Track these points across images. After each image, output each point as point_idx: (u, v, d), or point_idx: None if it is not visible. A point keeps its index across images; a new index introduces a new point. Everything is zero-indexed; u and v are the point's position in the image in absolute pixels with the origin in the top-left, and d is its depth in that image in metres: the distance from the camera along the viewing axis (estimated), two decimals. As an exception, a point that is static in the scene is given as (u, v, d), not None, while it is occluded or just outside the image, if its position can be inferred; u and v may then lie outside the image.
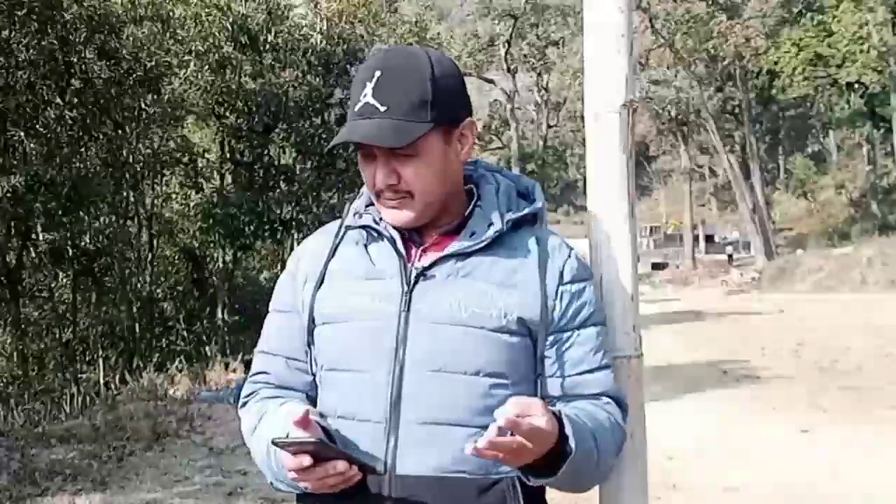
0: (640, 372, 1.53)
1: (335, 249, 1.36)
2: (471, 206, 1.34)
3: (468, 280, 1.28)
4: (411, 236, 1.33)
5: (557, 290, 1.30)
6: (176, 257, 15.10)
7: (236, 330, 13.95)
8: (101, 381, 9.59)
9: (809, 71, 33.80)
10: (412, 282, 1.28)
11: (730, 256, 43.87)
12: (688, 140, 40.33)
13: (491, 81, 44.70)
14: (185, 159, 14.10)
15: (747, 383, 9.08)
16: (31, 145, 10.48)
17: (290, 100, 14.22)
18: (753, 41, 31.68)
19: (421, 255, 1.31)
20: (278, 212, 14.30)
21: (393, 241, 1.31)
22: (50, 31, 10.14)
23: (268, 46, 14.32)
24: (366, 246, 1.34)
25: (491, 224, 1.31)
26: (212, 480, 5.54)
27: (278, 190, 14.88)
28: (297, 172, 15.29)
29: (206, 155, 14.95)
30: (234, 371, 10.43)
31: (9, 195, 9.22)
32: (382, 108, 1.23)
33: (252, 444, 1.34)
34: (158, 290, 13.87)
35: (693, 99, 34.67)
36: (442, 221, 1.33)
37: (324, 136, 14.48)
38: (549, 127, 49.75)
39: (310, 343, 1.35)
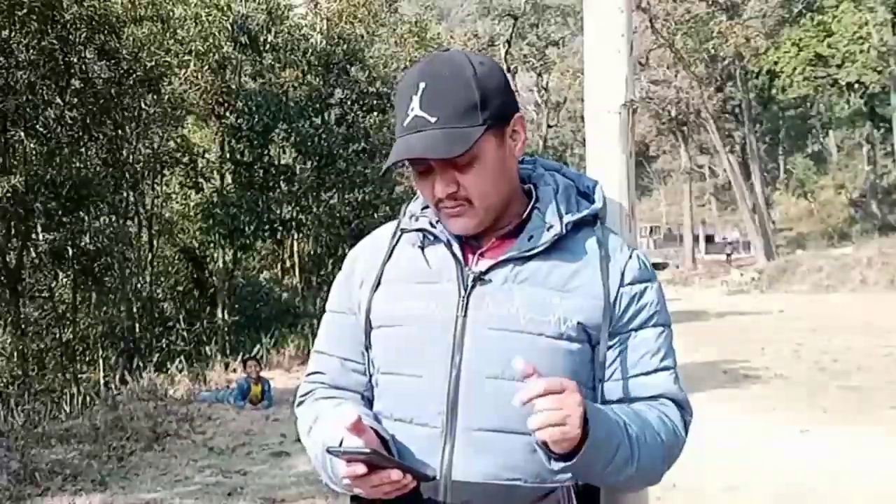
0: (640, 372, 1.53)
1: (391, 252, 1.35)
2: (529, 208, 1.31)
3: (526, 285, 1.26)
4: (468, 239, 1.31)
5: (618, 292, 1.28)
6: (176, 257, 15.10)
7: (236, 330, 13.94)
8: (101, 381, 9.59)
9: (809, 71, 33.79)
10: (469, 286, 1.27)
11: (728, 255, 43.89)
12: (688, 140, 40.31)
13: (491, 81, 44.64)
14: (185, 159, 14.09)
15: (747, 383, 9.07)
16: (31, 145, 10.48)
17: (290, 100, 14.22)
18: (753, 41, 31.64)
19: (478, 259, 1.29)
20: (278, 212, 14.30)
21: (450, 245, 1.29)
22: (50, 31, 10.13)
23: (268, 46, 14.32)
24: (422, 249, 1.33)
25: (550, 227, 1.28)
26: (212, 480, 5.55)
27: (278, 190, 14.88)
28: (297, 172, 15.29)
29: (206, 155, 14.95)
30: (234, 371, 10.42)
31: (9, 195, 9.22)
32: (433, 119, 1.20)
33: (308, 444, 1.35)
34: (158, 290, 13.87)
35: (693, 99, 34.63)
36: (500, 223, 1.31)
37: (324, 135, 14.48)
38: (549, 127, 49.69)
39: (367, 345, 1.34)
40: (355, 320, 1.36)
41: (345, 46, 15.14)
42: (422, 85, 1.22)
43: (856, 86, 34.37)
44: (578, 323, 1.25)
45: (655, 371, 1.29)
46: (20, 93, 10.06)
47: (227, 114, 14.15)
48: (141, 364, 10.21)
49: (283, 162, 15.30)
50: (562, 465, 1.14)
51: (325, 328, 1.43)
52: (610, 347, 1.28)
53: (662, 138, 43.00)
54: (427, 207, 1.34)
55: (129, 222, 12.51)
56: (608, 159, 1.54)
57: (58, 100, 10.77)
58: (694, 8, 31.92)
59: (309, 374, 1.43)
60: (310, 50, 14.99)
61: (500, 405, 1.20)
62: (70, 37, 10.44)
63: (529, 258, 1.27)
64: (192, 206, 14.84)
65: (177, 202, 15.14)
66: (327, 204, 15.82)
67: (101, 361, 10.56)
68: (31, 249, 10.71)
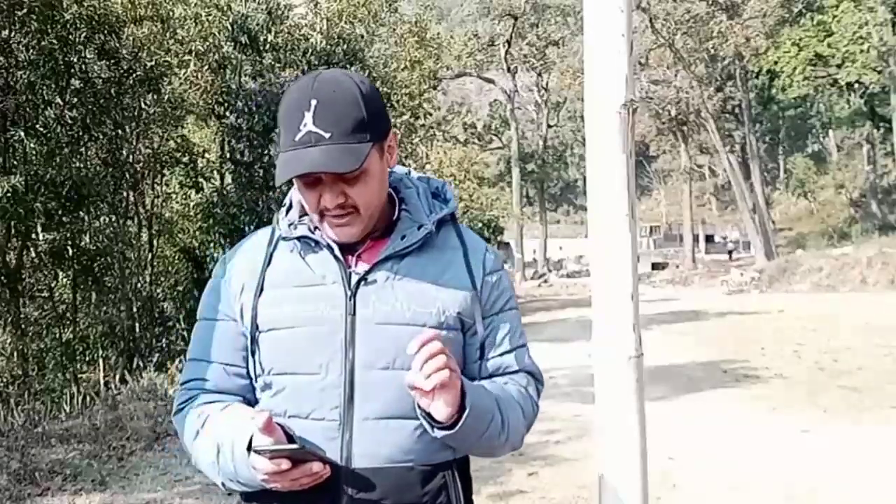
0: (640, 372, 1.53)
1: (270, 258, 1.42)
2: (397, 211, 1.43)
3: (405, 281, 1.37)
4: (344, 243, 1.39)
5: (483, 281, 1.43)
6: (176, 257, 15.09)
7: (236, 330, 13.88)
8: (101, 381, 9.57)
9: (809, 71, 33.83)
10: (354, 287, 1.36)
11: (730, 253, 43.92)
12: (688, 140, 40.30)
13: (491, 81, 44.71)
14: (185, 159, 14.08)
15: (747, 383, 9.08)
16: (31, 145, 10.47)
17: (290, 100, 14.18)
18: (753, 41, 31.65)
19: (357, 261, 1.39)
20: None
21: (331, 249, 1.38)
22: (50, 31, 10.12)
23: (268, 46, 14.31)
24: (301, 254, 1.40)
25: (421, 226, 1.40)
26: (212, 480, 5.54)
27: (278, 190, 14.87)
28: (298, 172, 15.27)
29: (206, 155, 14.94)
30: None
31: (9, 195, 9.21)
32: (327, 135, 1.28)
33: (197, 446, 1.38)
34: (158, 290, 13.86)
35: (693, 99, 34.62)
36: (373, 226, 1.41)
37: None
38: (549, 127, 49.72)
39: (252, 349, 1.39)
40: (236, 326, 1.41)
41: (345, 46, 15.12)
42: (314, 102, 1.29)
43: (856, 86, 34.41)
44: (458, 313, 1.38)
45: (517, 348, 1.46)
46: (20, 93, 10.05)
47: (227, 114, 14.14)
48: (141, 364, 10.21)
49: (283, 162, 15.28)
50: (444, 433, 1.27)
51: (202, 336, 1.46)
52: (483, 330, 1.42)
53: (662, 138, 43.01)
54: (305, 215, 1.42)
55: (129, 222, 12.49)
56: (608, 159, 1.54)
57: (58, 100, 10.76)
58: (694, 8, 31.93)
59: (186, 382, 1.45)
60: (310, 50, 14.98)
61: (392, 394, 1.32)
62: (70, 37, 10.42)
63: (405, 255, 1.39)
64: (192, 206, 14.82)
65: (177, 202, 15.11)
66: (327, 204, 15.80)
67: (101, 361, 10.53)
68: (31, 249, 10.69)
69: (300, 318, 1.35)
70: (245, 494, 1.38)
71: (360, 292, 1.35)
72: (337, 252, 1.37)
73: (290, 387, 1.36)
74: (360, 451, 1.32)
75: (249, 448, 1.25)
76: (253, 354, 1.39)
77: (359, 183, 1.32)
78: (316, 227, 1.39)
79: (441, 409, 1.24)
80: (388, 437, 1.33)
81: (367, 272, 1.36)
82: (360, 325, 1.34)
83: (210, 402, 1.40)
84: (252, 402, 1.41)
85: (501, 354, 1.43)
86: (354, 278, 1.36)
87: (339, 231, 1.36)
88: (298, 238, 1.40)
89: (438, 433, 1.28)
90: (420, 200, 1.45)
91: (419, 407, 1.26)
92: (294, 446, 1.24)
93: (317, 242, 1.39)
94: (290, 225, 1.42)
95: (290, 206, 1.46)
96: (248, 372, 1.41)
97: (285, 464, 1.22)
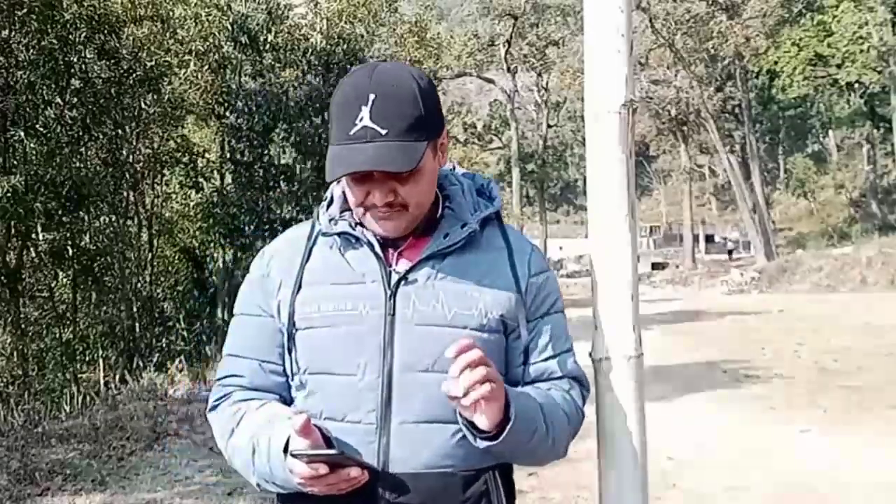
0: (641, 372, 1.53)
1: (309, 254, 1.37)
2: (441, 208, 1.39)
3: (448, 281, 1.33)
4: (385, 240, 1.35)
5: (528, 282, 1.37)
6: (176, 257, 15.10)
7: (236, 330, 13.87)
8: (101, 381, 9.58)
9: (809, 71, 33.84)
10: (394, 286, 1.31)
11: (730, 252, 43.92)
12: (688, 140, 40.27)
13: (491, 81, 44.71)
14: (185, 159, 14.09)
15: (747, 383, 9.07)
16: (31, 145, 10.48)
17: (290, 100, 14.22)
18: (753, 41, 31.63)
19: (398, 259, 1.34)
20: (278, 212, 14.30)
21: (371, 246, 1.33)
22: (50, 31, 10.14)
23: (268, 46, 14.33)
24: (340, 251, 1.36)
25: (465, 225, 1.35)
26: (212, 480, 5.54)
27: (278, 190, 14.88)
28: (297, 172, 15.30)
29: (206, 155, 14.95)
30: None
31: (9, 195, 9.21)
32: (383, 131, 1.23)
33: (232, 445, 1.35)
34: (158, 290, 13.86)
35: (693, 99, 34.60)
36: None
37: (324, 135, 14.48)
38: (549, 127, 49.69)
39: (288, 347, 1.35)
40: (273, 322, 1.37)
41: (345, 46, 15.14)
42: (371, 96, 1.24)
43: (856, 86, 34.43)
44: (500, 316, 1.33)
45: (563, 353, 1.40)
46: (20, 93, 10.06)
47: (227, 114, 14.15)
48: (141, 364, 10.21)
49: (283, 162, 15.31)
50: (488, 444, 1.22)
51: (239, 331, 1.42)
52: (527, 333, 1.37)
53: (662, 138, 42.98)
54: (347, 210, 1.37)
55: (129, 222, 12.50)
56: (608, 159, 1.54)
57: (58, 100, 10.77)
58: (694, 8, 31.90)
59: (222, 378, 1.42)
60: (310, 50, 14.99)
61: (432, 397, 1.26)
62: (70, 37, 10.44)
63: (447, 254, 1.34)
64: (192, 206, 14.84)
65: (177, 202, 15.13)
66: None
67: (101, 361, 10.53)
68: (31, 249, 10.69)
69: (338, 317, 1.31)
70: (281, 496, 1.35)
71: (401, 292, 1.31)
72: (377, 249, 1.33)
73: (325, 387, 1.32)
74: (398, 456, 1.28)
75: (286, 450, 1.22)
76: (289, 352, 1.35)
77: (411, 181, 1.28)
78: (358, 224, 1.35)
79: (484, 419, 1.19)
80: (427, 441, 1.29)
81: (408, 271, 1.32)
82: (399, 325, 1.30)
83: (246, 400, 1.37)
84: (288, 400, 1.38)
85: (545, 359, 1.38)
86: (395, 277, 1.32)
87: (384, 224, 1.31)
88: (339, 234, 1.36)
89: (481, 443, 1.23)
90: (464, 198, 1.40)
91: (461, 416, 1.22)
92: (332, 452, 1.21)
93: (357, 239, 1.35)
94: (330, 220, 1.38)
95: (331, 201, 1.41)
96: (284, 370, 1.37)
97: (323, 468, 1.18)
